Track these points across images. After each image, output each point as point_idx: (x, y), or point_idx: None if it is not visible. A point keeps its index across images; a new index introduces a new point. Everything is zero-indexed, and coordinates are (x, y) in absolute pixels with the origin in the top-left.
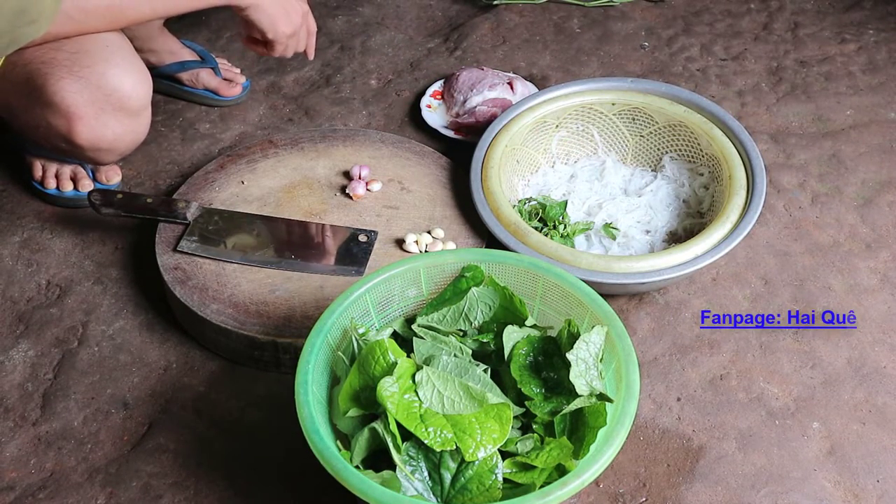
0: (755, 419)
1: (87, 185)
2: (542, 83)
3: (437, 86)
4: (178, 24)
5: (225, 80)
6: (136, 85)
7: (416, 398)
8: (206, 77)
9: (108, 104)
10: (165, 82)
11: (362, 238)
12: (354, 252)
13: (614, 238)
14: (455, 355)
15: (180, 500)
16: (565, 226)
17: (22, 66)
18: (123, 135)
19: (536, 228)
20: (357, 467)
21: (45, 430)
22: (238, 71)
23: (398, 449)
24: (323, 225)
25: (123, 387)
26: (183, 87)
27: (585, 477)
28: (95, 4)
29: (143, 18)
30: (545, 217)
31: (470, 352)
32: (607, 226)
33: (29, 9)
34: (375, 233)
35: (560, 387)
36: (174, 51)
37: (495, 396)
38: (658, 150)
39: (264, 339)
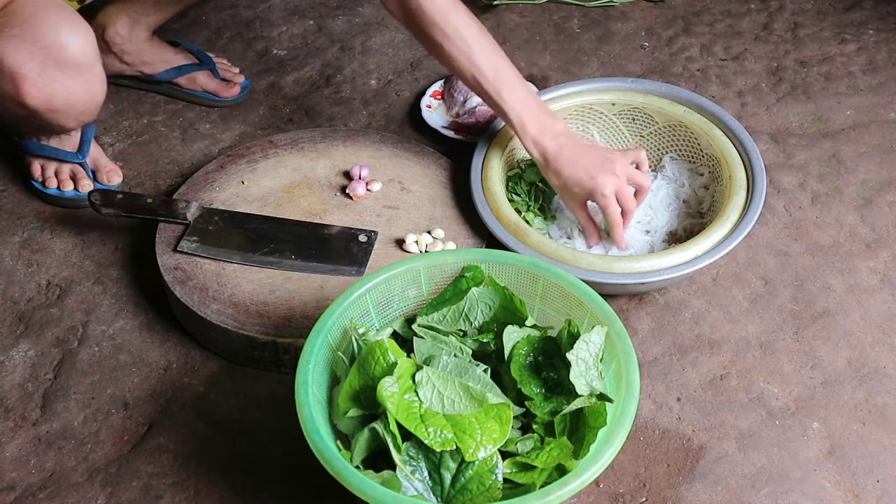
0: (755, 419)
1: (87, 186)
2: (542, 83)
3: (438, 86)
4: (178, 25)
5: (224, 80)
6: (71, 36)
7: (416, 398)
8: (203, 79)
9: (48, 58)
10: (164, 86)
11: (362, 238)
12: (354, 252)
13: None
14: (455, 355)
15: (180, 500)
16: (543, 203)
17: None
18: (76, 92)
19: (520, 203)
20: (357, 467)
21: (45, 430)
22: (237, 71)
23: (398, 449)
24: (323, 225)
25: (123, 387)
26: (182, 90)
27: (585, 477)
28: None
29: None
30: (526, 178)
31: (470, 352)
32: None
33: None
34: (376, 233)
35: (560, 387)
36: (167, 59)
37: (495, 396)
38: (658, 150)
39: (264, 339)
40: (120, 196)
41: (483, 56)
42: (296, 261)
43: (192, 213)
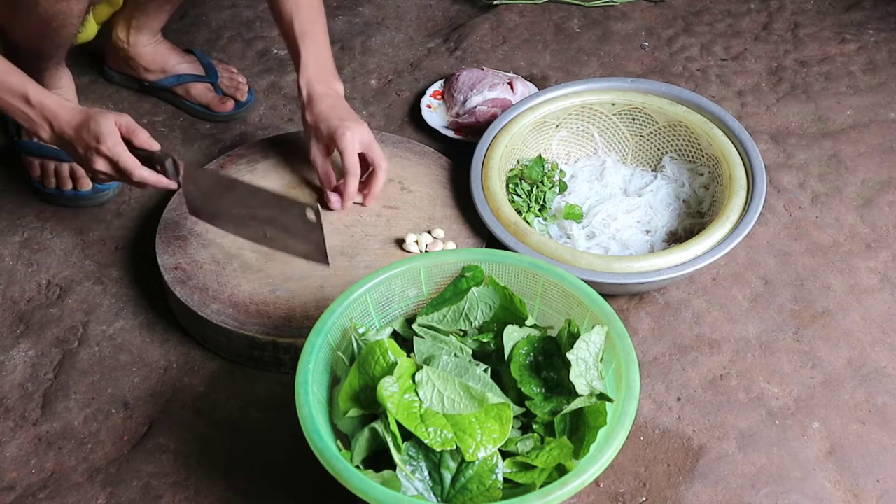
0: (755, 419)
1: (86, 185)
2: (542, 83)
3: (438, 86)
4: (178, 25)
5: (223, 95)
6: None
7: (417, 398)
8: (199, 91)
9: None
10: (164, 93)
11: (310, 215)
12: (314, 238)
13: (579, 220)
14: (455, 355)
15: (180, 499)
16: (544, 203)
17: None
18: None
19: (521, 204)
20: (357, 467)
21: (45, 430)
22: (243, 80)
23: (398, 449)
24: (280, 197)
25: (124, 387)
26: (178, 98)
27: (585, 477)
28: None
29: None
30: (527, 177)
31: (470, 352)
32: (569, 206)
33: None
34: (316, 207)
35: (560, 387)
36: (166, 69)
37: (495, 396)
38: (658, 150)
39: (264, 339)
40: None
41: (307, 8)
42: (271, 239)
43: (172, 173)
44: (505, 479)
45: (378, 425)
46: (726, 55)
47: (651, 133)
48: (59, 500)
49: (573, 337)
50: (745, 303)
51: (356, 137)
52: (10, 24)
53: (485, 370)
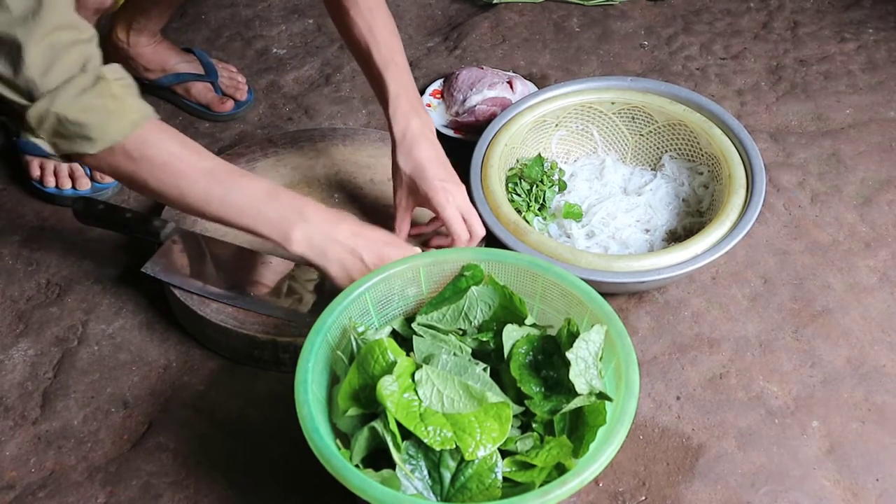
0: (754, 418)
1: (84, 184)
2: (541, 82)
3: (437, 85)
4: (178, 24)
5: (223, 95)
6: None
7: (416, 397)
8: (199, 90)
9: None
10: (164, 92)
11: (329, 285)
12: (316, 299)
13: (579, 219)
14: (455, 354)
15: (180, 498)
16: (544, 203)
17: None
18: None
19: (520, 203)
20: (357, 466)
21: (45, 429)
22: (242, 79)
23: (398, 448)
24: (294, 265)
25: (123, 386)
26: (177, 97)
27: (585, 476)
28: (156, 154)
29: (192, 203)
30: (526, 176)
31: (469, 351)
32: (568, 206)
33: (90, 124)
34: None
35: (560, 386)
36: (166, 68)
37: (495, 395)
38: (657, 149)
39: (264, 338)
40: (101, 207)
41: (383, 32)
42: (252, 298)
43: (165, 234)
44: (504, 478)
45: (377, 424)
46: (726, 54)
47: (650, 132)
48: (58, 498)
49: (573, 336)
50: (744, 302)
51: (456, 203)
52: None
53: (484, 369)
